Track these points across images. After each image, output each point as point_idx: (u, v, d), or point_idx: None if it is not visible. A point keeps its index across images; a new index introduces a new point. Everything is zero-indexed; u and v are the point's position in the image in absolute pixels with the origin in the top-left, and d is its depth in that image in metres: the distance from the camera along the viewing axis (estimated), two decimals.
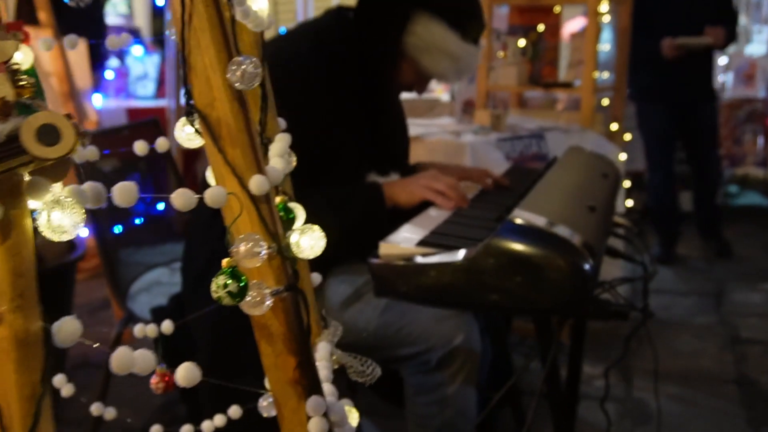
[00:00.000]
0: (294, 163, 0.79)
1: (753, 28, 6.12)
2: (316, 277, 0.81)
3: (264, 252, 0.59)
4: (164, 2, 6.70)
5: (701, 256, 4.55)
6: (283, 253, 0.62)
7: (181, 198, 0.57)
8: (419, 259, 1.32)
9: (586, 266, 1.25)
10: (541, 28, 3.43)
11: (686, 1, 4.17)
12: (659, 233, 4.58)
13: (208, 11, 0.58)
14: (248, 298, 0.60)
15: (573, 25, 5.72)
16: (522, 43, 3.44)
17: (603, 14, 3.25)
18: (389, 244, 1.37)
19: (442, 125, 2.96)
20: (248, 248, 0.58)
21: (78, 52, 2.96)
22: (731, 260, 4.45)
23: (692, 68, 4.17)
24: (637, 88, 4.41)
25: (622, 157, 3.22)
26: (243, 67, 0.59)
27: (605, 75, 3.64)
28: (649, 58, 4.18)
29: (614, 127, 3.34)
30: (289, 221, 0.73)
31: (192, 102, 0.60)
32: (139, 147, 0.70)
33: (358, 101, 1.76)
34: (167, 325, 0.66)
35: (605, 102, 3.43)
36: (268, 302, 0.61)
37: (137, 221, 2.21)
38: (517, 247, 1.24)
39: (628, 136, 3.50)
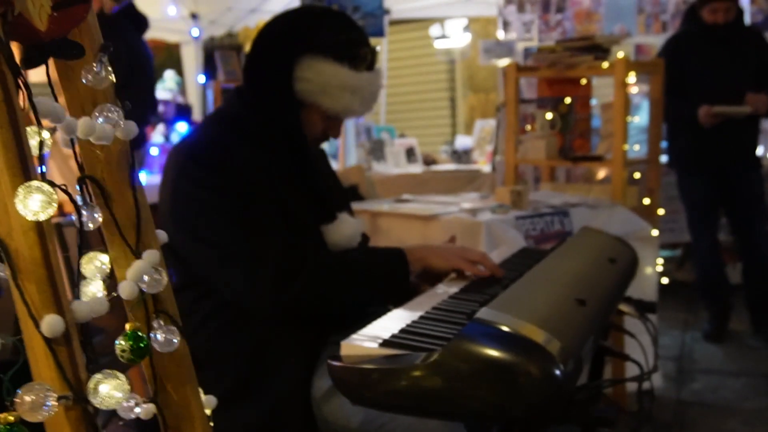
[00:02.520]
0: (165, 281, 0.73)
1: None
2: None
3: (51, 404, 0.51)
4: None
5: (755, 332, 4.30)
6: (83, 404, 0.54)
7: None
8: (378, 363, 1.22)
9: (557, 371, 1.14)
10: (568, 100, 3.35)
11: (726, 65, 4.03)
12: (708, 307, 4.35)
13: (1, 132, 0.53)
14: None
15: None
16: (549, 115, 3.36)
17: (631, 85, 3.16)
18: (351, 345, 1.28)
19: (460, 203, 2.88)
20: (33, 400, 0.50)
21: None
22: None
23: (733, 136, 4.00)
24: (675, 156, 4.27)
25: (654, 233, 3.07)
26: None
27: (636, 147, 3.52)
28: (687, 124, 4.04)
29: (647, 201, 3.20)
30: (139, 350, 0.66)
31: None
32: None
33: (283, 164, 1.72)
34: None
35: (637, 175, 3.30)
36: None
37: None
38: (475, 351, 1.14)
39: (661, 211, 3.35)
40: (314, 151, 1.87)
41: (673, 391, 3.49)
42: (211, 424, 0.79)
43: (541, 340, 1.16)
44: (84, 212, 0.71)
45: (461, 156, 6.00)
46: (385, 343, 1.28)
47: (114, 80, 0.72)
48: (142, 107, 4.25)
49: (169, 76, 6.44)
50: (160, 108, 6.48)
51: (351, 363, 1.26)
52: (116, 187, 0.73)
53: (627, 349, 2.51)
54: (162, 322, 0.74)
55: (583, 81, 3.36)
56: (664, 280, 3.73)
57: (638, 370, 1.61)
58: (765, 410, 3.26)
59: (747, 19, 5.18)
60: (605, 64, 3.14)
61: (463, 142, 6.50)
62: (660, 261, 3.18)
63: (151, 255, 0.72)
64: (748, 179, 4.13)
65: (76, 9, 0.68)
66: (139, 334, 0.70)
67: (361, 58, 1.70)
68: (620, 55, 3.14)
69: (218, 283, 1.66)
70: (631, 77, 3.09)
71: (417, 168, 5.75)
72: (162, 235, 0.78)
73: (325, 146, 1.91)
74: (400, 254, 1.73)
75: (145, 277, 0.71)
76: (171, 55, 9.83)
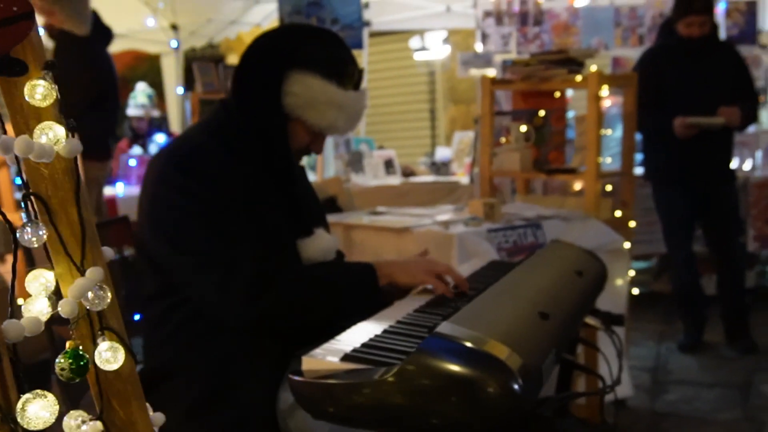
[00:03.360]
0: (110, 297, 0.73)
1: None
2: None
3: None
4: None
5: (730, 343, 4.32)
6: (10, 424, 0.54)
7: None
8: (339, 378, 1.22)
9: (516, 386, 1.14)
10: (542, 113, 3.37)
11: (701, 79, 4.06)
12: (683, 318, 4.38)
13: None
14: None
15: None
16: (524, 128, 3.38)
17: (604, 98, 3.18)
18: (312, 359, 1.28)
19: (434, 215, 2.89)
20: None
21: None
22: (762, 348, 4.22)
23: (708, 149, 4.03)
24: (651, 168, 4.30)
25: (627, 245, 3.09)
26: None
27: (609, 160, 3.54)
28: (663, 137, 4.07)
29: (618, 213, 3.22)
30: (79, 369, 0.66)
31: None
32: None
33: (264, 176, 1.73)
34: None
35: (609, 188, 3.32)
36: None
37: None
38: (433, 366, 1.14)
39: (632, 224, 3.37)
40: (296, 164, 1.88)
41: (647, 403, 3.50)
42: None
43: (500, 354, 1.16)
44: (28, 229, 0.71)
45: (440, 168, 6.01)
46: (347, 358, 1.28)
47: (58, 97, 0.72)
48: (109, 120, 4.23)
49: (141, 89, 6.40)
50: (134, 124, 6.46)
51: (312, 378, 1.26)
52: (61, 204, 0.73)
53: (601, 361, 2.52)
54: (107, 339, 0.74)
55: (557, 94, 3.38)
56: (636, 291, 3.75)
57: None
58: (739, 421, 3.28)
59: (722, 34, 5.25)
60: (579, 78, 3.16)
61: (443, 153, 6.52)
62: (632, 273, 3.20)
63: (94, 272, 0.72)
64: (722, 192, 4.17)
65: (18, 26, 0.68)
66: (80, 352, 0.69)
67: (349, 76, 1.73)
68: (593, 68, 3.16)
69: (191, 290, 1.66)
70: (605, 90, 3.10)
71: (395, 180, 5.76)
72: (108, 252, 0.78)
73: (304, 158, 1.91)
74: (370, 269, 1.74)
75: (89, 294, 0.71)
76: (152, 67, 9.82)
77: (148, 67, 11.06)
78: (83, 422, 0.75)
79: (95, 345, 0.73)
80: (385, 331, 1.43)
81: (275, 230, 1.71)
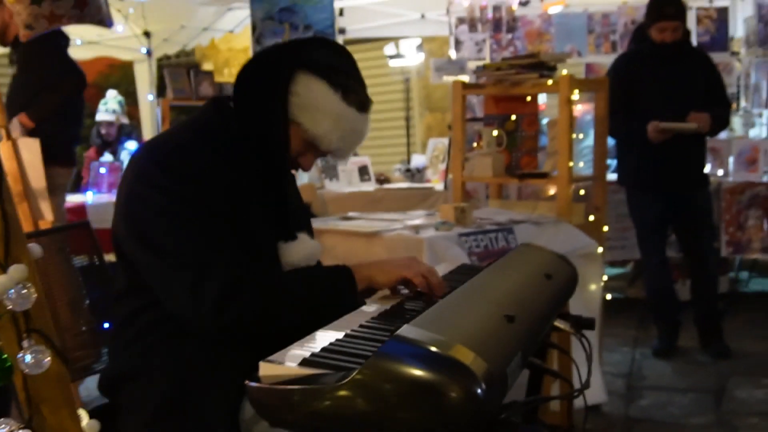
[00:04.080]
0: (34, 297, 0.68)
1: (754, 112, 6.00)
2: None
3: None
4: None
5: (704, 348, 4.32)
6: None
7: None
8: (298, 384, 1.18)
9: (479, 390, 1.11)
10: (513, 117, 3.35)
11: (673, 84, 4.07)
12: (658, 324, 4.37)
13: None
14: None
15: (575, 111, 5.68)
16: (495, 133, 3.36)
17: (576, 102, 3.17)
18: (270, 365, 1.23)
19: (405, 220, 2.85)
20: None
21: (32, 152, 2.92)
22: (736, 353, 4.22)
23: (681, 154, 4.04)
24: (624, 173, 4.30)
25: (599, 249, 3.08)
26: None
27: (580, 165, 3.53)
28: (636, 142, 4.07)
29: (591, 218, 3.21)
30: (2, 373, 0.61)
31: None
32: None
33: (251, 177, 1.69)
34: None
35: (582, 192, 3.31)
36: None
37: None
38: (393, 370, 1.10)
39: (605, 228, 3.36)
40: (288, 169, 1.85)
41: (621, 408, 3.48)
42: None
43: (462, 358, 1.13)
44: None
45: (414, 174, 5.99)
46: (305, 362, 1.23)
47: None
48: (75, 125, 4.16)
49: (111, 96, 6.32)
50: (102, 131, 6.37)
51: (269, 383, 1.22)
52: None
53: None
54: (33, 342, 0.70)
55: (529, 98, 3.37)
56: (609, 297, 3.74)
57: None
58: (711, 426, 3.27)
59: (693, 41, 5.27)
60: (550, 82, 3.15)
61: (418, 161, 6.50)
62: (605, 278, 3.18)
63: (18, 270, 0.67)
64: (696, 197, 4.18)
65: None
66: (2, 355, 0.65)
67: (355, 93, 1.68)
68: (564, 72, 3.15)
69: (160, 292, 1.61)
70: (576, 95, 3.09)
71: (370, 186, 5.72)
72: (35, 250, 0.73)
73: None
74: (347, 273, 1.70)
75: (11, 293, 0.67)
76: (125, 74, 9.73)
77: (121, 75, 10.97)
78: (11, 430, 0.70)
79: (21, 348, 0.69)
80: (346, 335, 1.39)
81: (256, 234, 1.67)
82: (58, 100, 3.84)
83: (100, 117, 6.30)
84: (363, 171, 5.81)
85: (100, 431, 1.74)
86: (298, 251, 1.73)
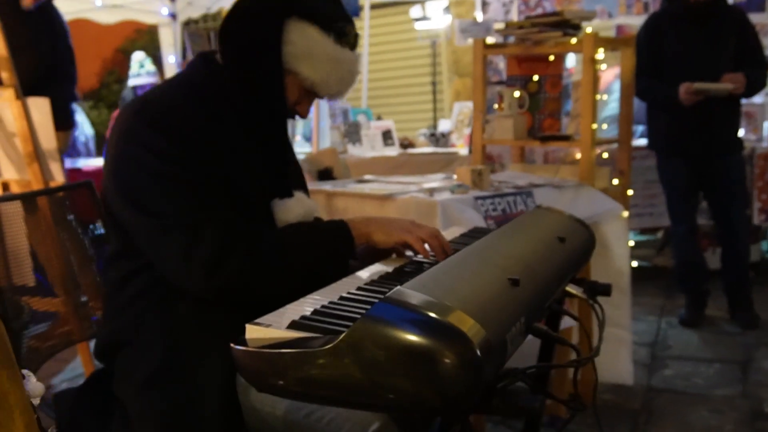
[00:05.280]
0: None
1: None
2: None
3: None
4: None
5: (732, 318, 4.20)
6: None
7: None
8: (286, 348, 1.12)
9: (475, 357, 1.04)
10: (536, 78, 3.24)
11: (705, 46, 3.91)
12: (685, 293, 4.26)
13: None
14: None
15: (608, 75, 5.51)
16: (517, 94, 3.25)
17: (600, 61, 3.05)
18: (257, 327, 1.17)
19: (421, 183, 2.77)
20: None
21: (42, 112, 2.87)
22: (765, 324, 4.10)
23: (714, 118, 3.90)
24: (654, 138, 4.16)
25: (625, 213, 2.97)
26: None
27: (604, 126, 3.41)
28: (667, 106, 3.93)
29: (615, 182, 3.10)
30: None
31: None
32: None
33: (244, 133, 1.64)
34: None
35: (605, 155, 3.20)
36: None
37: None
38: (382, 334, 1.03)
39: (630, 192, 3.25)
40: (284, 122, 1.79)
41: (644, 378, 3.40)
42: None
43: (457, 322, 1.05)
44: None
45: (439, 139, 5.88)
46: (294, 325, 1.17)
47: None
48: (70, 87, 4.08)
49: (142, 57, 6.25)
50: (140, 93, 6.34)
51: (256, 347, 1.16)
52: None
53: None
54: None
55: (552, 58, 3.25)
56: (636, 264, 3.63)
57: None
58: (735, 398, 3.17)
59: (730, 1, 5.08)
60: (573, 40, 3.02)
61: (445, 126, 6.39)
62: (631, 243, 3.07)
63: None
64: (729, 163, 4.03)
65: None
66: None
67: (346, 34, 1.65)
68: (589, 30, 3.03)
69: (152, 254, 1.56)
70: (600, 53, 2.97)
71: (393, 151, 5.63)
72: None
73: (299, 127, 1.82)
74: (344, 228, 1.65)
75: None
76: (152, 39, 9.68)
77: (147, 40, 10.94)
78: None
79: None
80: (341, 298, 1.32)
81: (251, 192, 1.62)
82: (37, 64, 3.73)
83: (141, 80, 6.24)
84: (387, 135, 5.71)
85: (96, 396, 1.71)
86: (295, 210, 1.69)
